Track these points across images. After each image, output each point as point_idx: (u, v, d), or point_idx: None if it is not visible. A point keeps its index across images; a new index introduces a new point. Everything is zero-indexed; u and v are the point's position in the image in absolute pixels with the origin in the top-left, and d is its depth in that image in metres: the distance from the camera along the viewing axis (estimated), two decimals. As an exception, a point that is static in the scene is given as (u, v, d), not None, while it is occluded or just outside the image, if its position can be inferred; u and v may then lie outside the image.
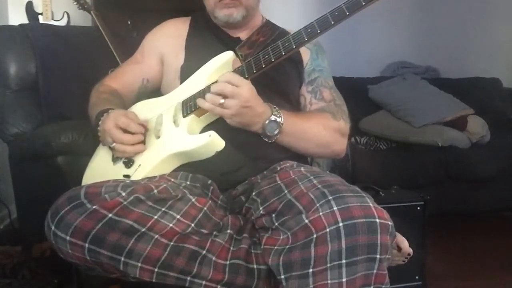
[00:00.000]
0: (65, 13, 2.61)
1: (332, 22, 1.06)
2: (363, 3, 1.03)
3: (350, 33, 3.13)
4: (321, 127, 1.22)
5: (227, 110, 1.09)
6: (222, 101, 1.08)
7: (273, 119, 1.14)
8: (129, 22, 2.50)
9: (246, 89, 1.08)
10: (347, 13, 1.04)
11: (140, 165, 1.16)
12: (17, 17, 2.55)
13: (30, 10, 2.56)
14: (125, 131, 1.15)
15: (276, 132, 1.16)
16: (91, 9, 2.30)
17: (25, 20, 2.51)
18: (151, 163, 1.15)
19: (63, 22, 2.59)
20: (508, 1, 3.65)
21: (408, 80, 3.17)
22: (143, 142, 1.18)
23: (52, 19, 2.57)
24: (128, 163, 1.18)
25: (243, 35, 1.34)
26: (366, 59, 3.45)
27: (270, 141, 1.18)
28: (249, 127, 1.14)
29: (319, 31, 1.07)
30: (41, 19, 2.56)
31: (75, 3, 2.35)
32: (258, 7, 1.38)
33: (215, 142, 1.09)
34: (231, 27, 1.34)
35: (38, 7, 2.58)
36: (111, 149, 1.18)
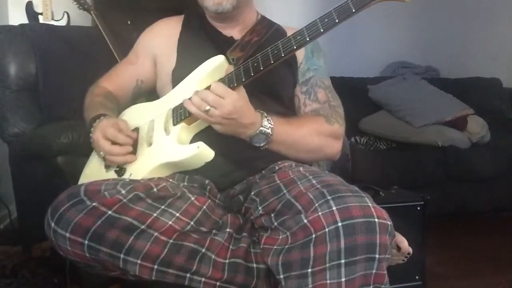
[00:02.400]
0: (65, 13, 2.60)
1: (322, 30, 1.03)
2: (353, 10, 1.00)
3: (350, 33, 3.13)
4: (314, 134, 1.20)
5: (211, 118, 1.08)
6: (207, 108, 1.06)
7: (263, 131, 1.13)
8: (129, 22, 2.50)
9: (229, 101, 1.06)
10: (337, 20, 1.01)
11: (131, 174, 1.16)
12: (17, 17, 2.54)
13: (30, 10, 2.56)
14: (114, 142, 1.14)
15: (263, 144, 1.15)
16: (91, 9, 2.30)
17: (25, 20, 2.51)
18: (142, 172, 1.14)
19: (63, 22, 2.59)
20: (508, 1, 3.65)
21: (408, 80, 3.17)
22: (134, 151, 1.18)
23: (52, 19, 2.57)
24: (120, 171, 1.18)
25: (236, 33, 1.31)
26: (366, 59, 3.44)
27: (260, 149, 1.17)
28: (236, 136, 1.13)
29: (308, 39, 1.04)
30: (41, 19, 2.56)
31: (75, 3, 2.35)
32: (251, 1, 1.35)
33: (203, 153, 1.09)
34: (222, 19, 1.31)
35: (38, 7, 2.58)
36: (102, 158, 1.18)
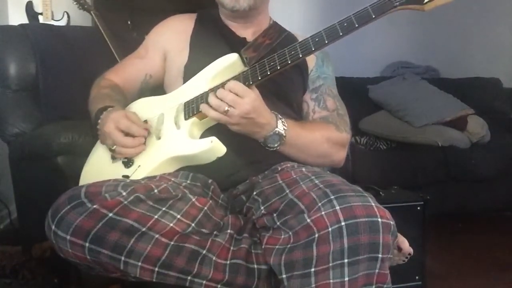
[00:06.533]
0: (65, 13, 2.61)
1: (341, 33, 1.05)
2: (373, 16, 1.02)
3: (350, 33, 3.12)
4: (324, 140, 1.22)
5: (230, 119, 1.08)
6: (227, 108, 1.06)
7: (277, 132, 1.13)
8: (129, 22, 2.50)
9: (248, 100, 1.07)
10: (356, 25, 1.03)
11: (139, 166, 1.16)
12: (17, 17, 2.54)
13: (30, 10, 2.56)
14: (127, 133, 1.14)
15: (277, 144, 1.15)
16: (91, 9, 2.30)
17: (25, 20, 2.51)
18: (151, 164, 1.14)
19: (63, 22, 2.59)
20: (508, 1, 3.65)
21: (408, 80, 3.17)
22: (144, 143, 1.18)
23: (52, 19, 2.57)
24: (128, 163, 1.17)
25: (249, 34, 1.33)
26: (366, 59, 3.44)
27: (270, 150, 1.17)
28: (250, 136, 1.14)
29: (326, 42, 1.06)
30: (41, 19, 2.56)
31: (75, 3, 2.35)
32: (267, 7, 1.36)
33: (216, 148, 1.08)
34: (237, 18, 1.32)
35: (38, 7, 2.58)
36: (111, 150, 1.17)
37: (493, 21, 3.66)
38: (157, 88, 1.40)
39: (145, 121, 1.23)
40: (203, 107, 1.11)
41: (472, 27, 3.63)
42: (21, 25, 1.84)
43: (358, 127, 2.88)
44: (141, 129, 1.15)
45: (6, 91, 1.67)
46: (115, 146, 1.15)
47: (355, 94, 2.87)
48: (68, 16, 2.61)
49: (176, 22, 1.40)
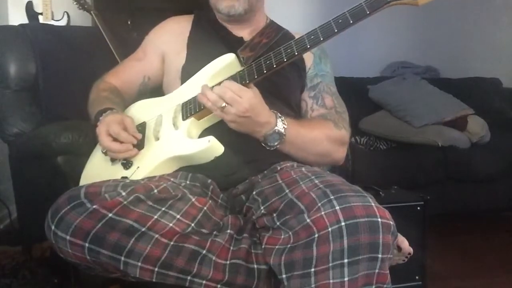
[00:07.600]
0: (65, 13, 2.61)
1: (336, 30, 1.05)
2: (368, 12, 1.02)
3: (350, 33, 3.11)
4: (323, 137, 1.21)
5: (226, 115, 1.09)
6: (223, 104, 1.07)
7: (277, 130, 1.13)
8: (129, 22, 2.50)
9: (246, 99, 1.07)
10: (351, 21, 1.03)
11: (138, 167, 1.16)
12: (17, 17, 2.55)
13: (30, 10, 2.56)
14: (115, 139, 1.14)
15: (276, 143, 1.15)
16: (91, 9, 2.31)
17: (25, 20, 2.52)
18: (150, 165, 1.15)
19: (63, 22, 2.60)
20: (508, 2, 3.65)
21: (408, 80, 3.17)
22: (142, 145, 1.18)
23: (52, 19, 2.58)
24: (127, 164, 1.18)
25: (246, 34, 1.33)
26: (366, 59, 3.44)
27: (270, 149, 1.17)
28: (250, 134, 1.14)
29: (321, 39, 1.06)
30: (41, 19, 2.56)
31: (75, 3, 2.35)
32: (262, 6, 1.37)
33: (214, 148, 1.09)
34: (233, 21, 1.33)
35: (38, 7, 2.58)
36: (104, 153, 1.19)
37: (493, 21, 3.66)
38: (156, 90, 1.41)
39: (143, 123, 1.24)
40: (200, 96, 1.11)
41: (472, 27, 3.63)
42: (21, 25, 1.84)
43: (358, 127, 2.88)
44: (130, 137, 1.15)
45: (6, 91, 1.67)
46: (104, 149, 1.16)
47: (355, 94, 2.88)
48: (68, 16, 2.61)
49: (173, 24, 1.41)
